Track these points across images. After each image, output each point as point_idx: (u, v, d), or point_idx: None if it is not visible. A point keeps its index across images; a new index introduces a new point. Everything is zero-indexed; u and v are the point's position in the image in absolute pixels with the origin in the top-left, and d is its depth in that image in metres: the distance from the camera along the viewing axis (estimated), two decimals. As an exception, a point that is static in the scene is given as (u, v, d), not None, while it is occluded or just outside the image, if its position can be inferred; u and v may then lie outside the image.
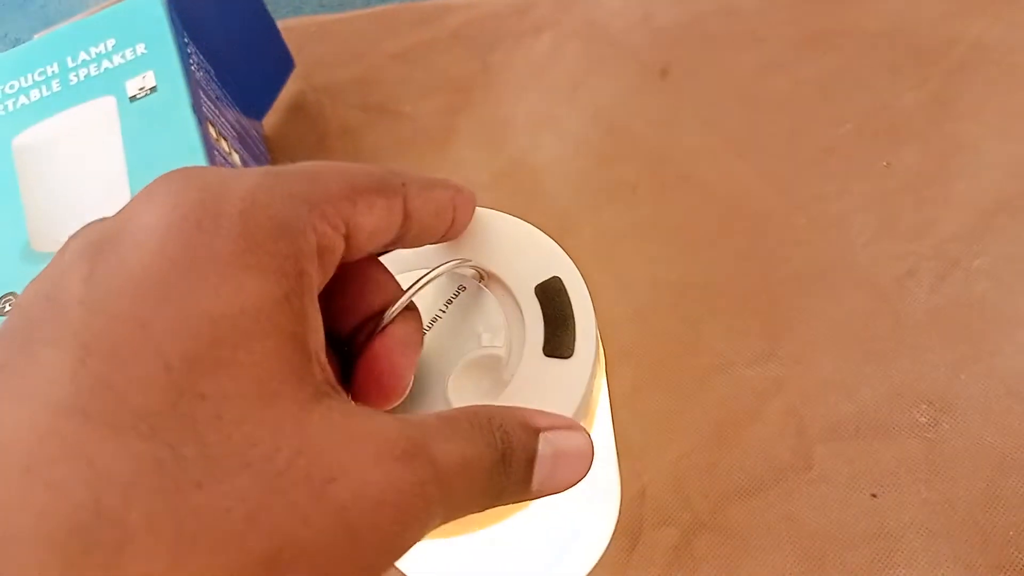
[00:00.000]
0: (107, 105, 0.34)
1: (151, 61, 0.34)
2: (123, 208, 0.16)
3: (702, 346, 0.37)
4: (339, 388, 0.16)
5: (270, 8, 0.45)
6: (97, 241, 0.15)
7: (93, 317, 0.14)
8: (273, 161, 0.45)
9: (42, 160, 0.33)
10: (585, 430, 0.19)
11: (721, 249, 0.39)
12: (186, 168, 0.16)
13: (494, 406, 0.18)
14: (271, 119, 0.47)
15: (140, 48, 0.35)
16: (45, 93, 0.35)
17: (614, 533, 0.33)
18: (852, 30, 0.45)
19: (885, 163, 0.40)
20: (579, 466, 0.19)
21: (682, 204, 0.40)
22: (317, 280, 0.16)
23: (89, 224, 0.16)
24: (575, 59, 0.46)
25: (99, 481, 0.12)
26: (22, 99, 0.35)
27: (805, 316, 0.37)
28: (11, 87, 0.35)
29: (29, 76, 0.36)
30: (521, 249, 0.22)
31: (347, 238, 0.17)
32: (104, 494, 0.12)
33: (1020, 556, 0.30)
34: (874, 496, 0.32)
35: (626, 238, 0.40)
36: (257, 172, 0.16)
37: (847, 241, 0.38)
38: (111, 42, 0.35)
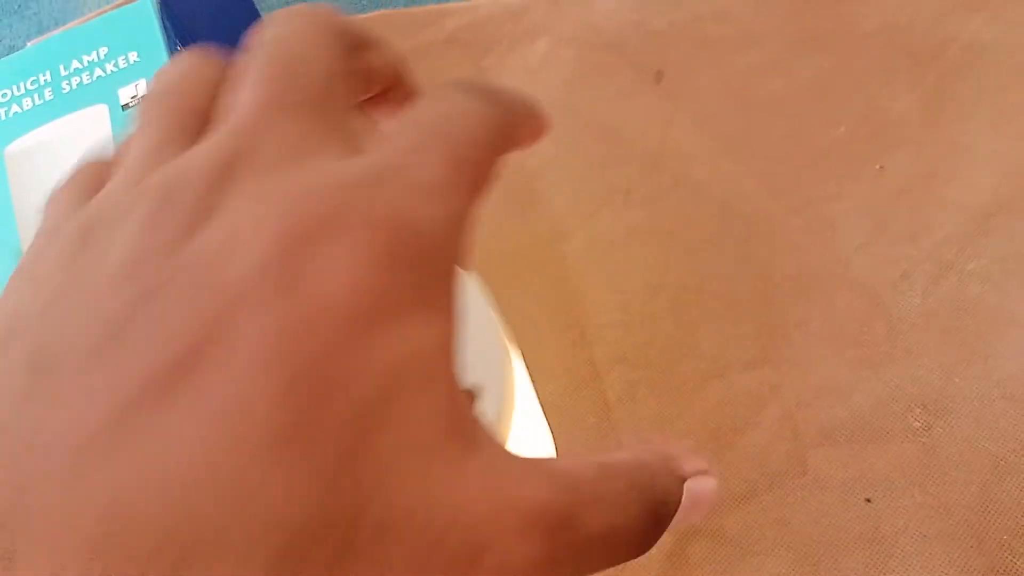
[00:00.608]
0: (99, 114, 0.34)
1: (144, 69, 0.34)
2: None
3: (697, 351, 0.37)
4: (483, 426, 0.15)
5: (265, 13, 0.45)
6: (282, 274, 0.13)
7: (289, 347, 0.13)
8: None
9: (35, 169, 0.33)
10: (713, 472, 0.18)
11: (716, 253, 0.39)
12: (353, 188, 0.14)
13: (652, 454, 0.17)
14: (266, 124, 0.47)
15: (132, 56, 0.35)
16: (38, 101, 0.35)
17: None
18: (846, 31, 0.45)
19: (879, 166, 0.40)
20: (704, 510, 0.18)
21: (676, 208, 0.40)
22: None
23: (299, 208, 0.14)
24: (570, 63, 0.46)
25: (292, 524, 0.12)
26: (14, 108, 0.35)
27: (800, 320, 0.37)
28: (3, 95, 0.35)
29: (22, 84, 0.35)
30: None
31: None
32: (296, 537, 0.12)
33: (1015, 560, 0.30)
34: (868, 501, 0.32)
35: (620, 243, 0.40)
36: (404, 181, 0.15)
37: (841, 245, 0.38)
38: (104, 50, 0.35)
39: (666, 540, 0.33)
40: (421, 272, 0.14)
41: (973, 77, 0.42)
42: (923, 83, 0.42)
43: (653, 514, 0.16)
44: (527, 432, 0.24)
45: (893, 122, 0.41)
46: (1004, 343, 0.35)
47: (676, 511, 0.17)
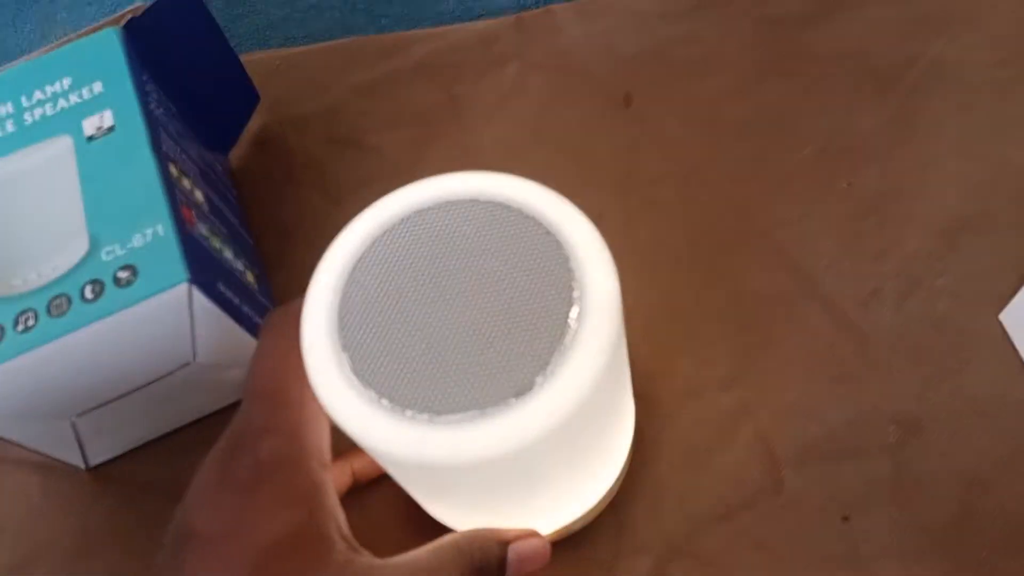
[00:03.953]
0: (63, 145, 0.33)
1: (108, 100, 0.34)
2: None
3: (671, 373, 0.37)
4: (356, 548, 0.24)
5: (234, 41, 0.45)
6: None
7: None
8: (239, 196, 0.45)
9: (-3, 201, 0.33)
10: (539, 535, 0.27)
11: (686, 276, 0.39)
12: None
13: (476, 531, 0.25)
14: (237, 153, 0.47)
15: (97, 87, 0.34)
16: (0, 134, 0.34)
17: (589, 563, 0.32)
18: (810, 55, 0.45)
19: (846, 184, 0.41)
20: (537, 561, 0.27)
21: (647, 232, 0.40)
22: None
23: None
24: (540, 89, 0.46)
25: None
26: (-24, 140, 0.34)
27: (772, 340, 0.37)
28: (-35, 128, 0.35)
29: (-16, 116, 0.35)
30: None
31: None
32: None
33: (992, 576, 0.30)
34: (845, 519, 0.32)
35: (593, 266, 0.40)
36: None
37: (811, 264, 0.38)
38: (67, 81, 0.35)
39: (646, 562, 0.33)
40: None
41: (936, 97, 0.43)
42: (887, 104, 0.43)
43: (474, 562, 0.24)
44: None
45: (859, 142, 0.42)
46: (975, 357, 0.35)
47: (500, 563, 0.25)
